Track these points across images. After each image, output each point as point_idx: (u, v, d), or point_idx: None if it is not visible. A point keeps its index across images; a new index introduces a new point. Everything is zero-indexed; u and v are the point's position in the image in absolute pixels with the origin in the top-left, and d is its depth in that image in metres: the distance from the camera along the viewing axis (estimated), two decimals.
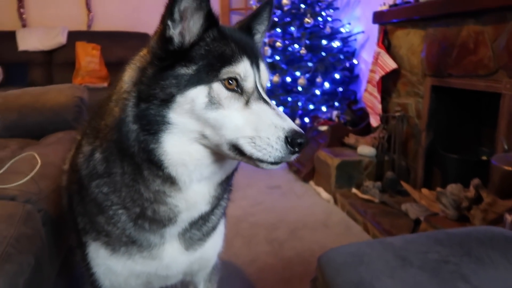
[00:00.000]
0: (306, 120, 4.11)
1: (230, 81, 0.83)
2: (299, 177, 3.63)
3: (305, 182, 3.55)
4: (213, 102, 0.82)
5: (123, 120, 0.84)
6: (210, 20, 0.85)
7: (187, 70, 0.82)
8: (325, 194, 3.20)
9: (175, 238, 0.98)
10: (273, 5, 1.02)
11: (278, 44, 4.01)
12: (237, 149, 0.83)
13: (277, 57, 4.09)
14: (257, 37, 1.03)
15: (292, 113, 4.10)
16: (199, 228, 1.01)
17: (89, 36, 5.08)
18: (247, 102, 0.85)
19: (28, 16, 5.23)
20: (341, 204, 2.98)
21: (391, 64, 3.03)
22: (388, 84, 3.16)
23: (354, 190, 3.04)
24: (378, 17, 3.18)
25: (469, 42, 2.31)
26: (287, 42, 4.05)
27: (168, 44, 0.84)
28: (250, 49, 0.89)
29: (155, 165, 0.84)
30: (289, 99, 4.10)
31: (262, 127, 0.81)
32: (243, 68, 0.85)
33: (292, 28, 4.03)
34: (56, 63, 5.01)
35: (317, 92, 4.02)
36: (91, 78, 4.83)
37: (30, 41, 4.87)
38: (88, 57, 4.82)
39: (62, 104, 2.20)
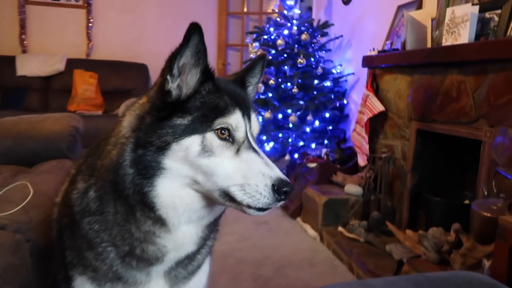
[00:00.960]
0: (296, 156, 4.17)
1: (222, 131, 0.89)
2: (286, 213, 3.66)
3: (293, 218, 3.57)
4: (206, 150, 0.87)
5: (121, 164, 0.89)
6: (206, 74, 0.92)
7: (183, 121, 0.88)
8: (311, 232, 3.22)
9: (161, 276, 1.01)
10: (266, 58, 1.10)
11: (272, 81, 4.12)
12: (227, 196, 0.88)
13: (270, 94, 4.19)
14: (250, 89, 1.11)
15: (282, 149, 4.18)
16: (184, 267, 1.04)
17: (87, 64, 5.20)
18: (237, 151, 0.90)
19: (29, 43, 5.34)
20: (327, 242, 3.00)
21: (378, 107, 3.13)
22: (376, 125, 3.26)
23: (340, 228, 3.07)
24: (367, 61, 3.32)
25: (452, 91, 2.42)
26: (280, 80, 4.16)
27: (166, 97, 0.90)
28: (242, 101, 0.95)
29: (148, 207, 0.88)
30: (280, 135, 4.18)
31: (251, 175, 0.86)
32: (235, 120, 0.90)
33: (286, 67, 4.16)
34: (53, 89, 5.09)
35: (308, 129, 4.11)
36: (86, 105, 4.90)
37: (28, 67, 4.96)
38: (85, 85, 4.91)
39: (57, 132, 2.23)
